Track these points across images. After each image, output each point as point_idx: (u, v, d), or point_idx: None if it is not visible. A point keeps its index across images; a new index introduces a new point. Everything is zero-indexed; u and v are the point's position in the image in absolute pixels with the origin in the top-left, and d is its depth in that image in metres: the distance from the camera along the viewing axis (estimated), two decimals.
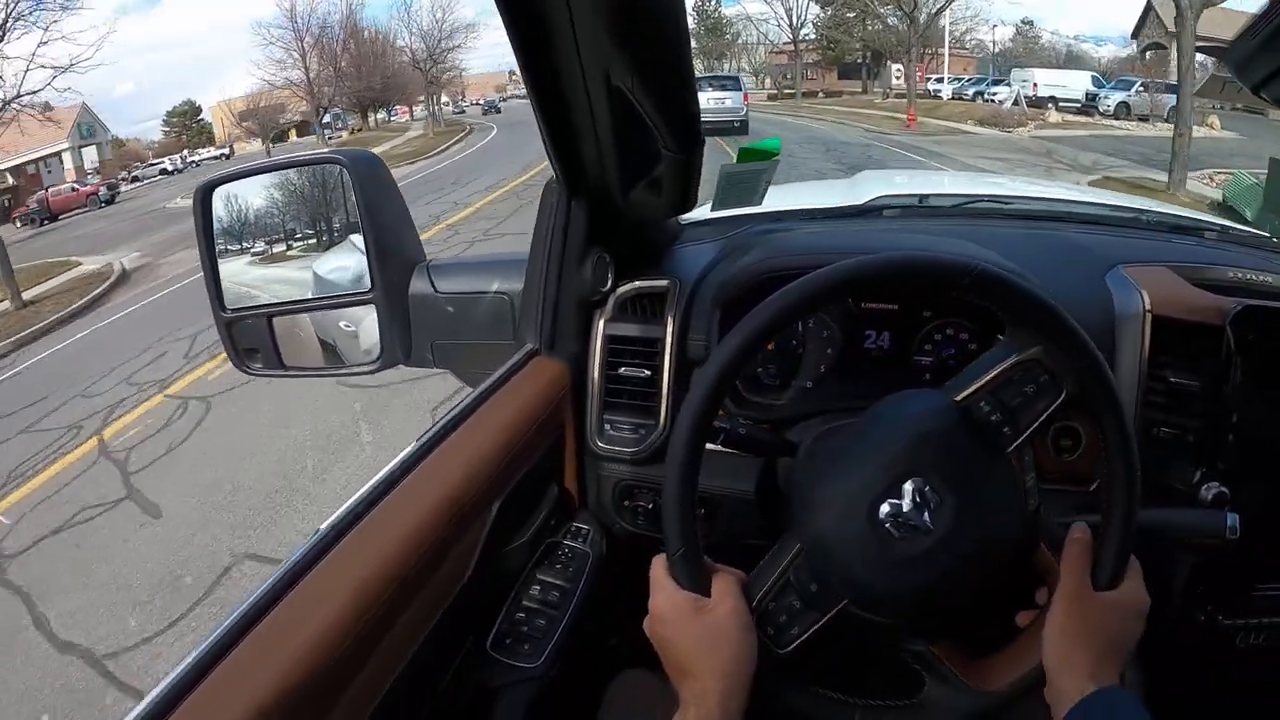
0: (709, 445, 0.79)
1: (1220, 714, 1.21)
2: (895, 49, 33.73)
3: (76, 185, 31.32)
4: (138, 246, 15.08)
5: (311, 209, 1.15)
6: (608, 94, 0.73)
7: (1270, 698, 1.18)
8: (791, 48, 40.77)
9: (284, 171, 1.13)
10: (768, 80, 46.82)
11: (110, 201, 29.47)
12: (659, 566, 0.72)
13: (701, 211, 1.10)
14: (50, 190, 30.54)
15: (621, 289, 0.99)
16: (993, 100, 25.88)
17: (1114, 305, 0.98)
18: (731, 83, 20.29)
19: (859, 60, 40.26)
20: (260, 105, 34.76)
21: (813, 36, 40.40)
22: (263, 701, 0.54)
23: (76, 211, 28.63)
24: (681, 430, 0.70)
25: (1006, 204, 1.41)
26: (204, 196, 1.09)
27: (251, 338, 1.12)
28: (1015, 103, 21.89)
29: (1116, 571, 0.71)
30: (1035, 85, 25.02)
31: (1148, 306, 0.96)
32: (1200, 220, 1.39)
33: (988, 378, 0.73)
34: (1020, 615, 0.77)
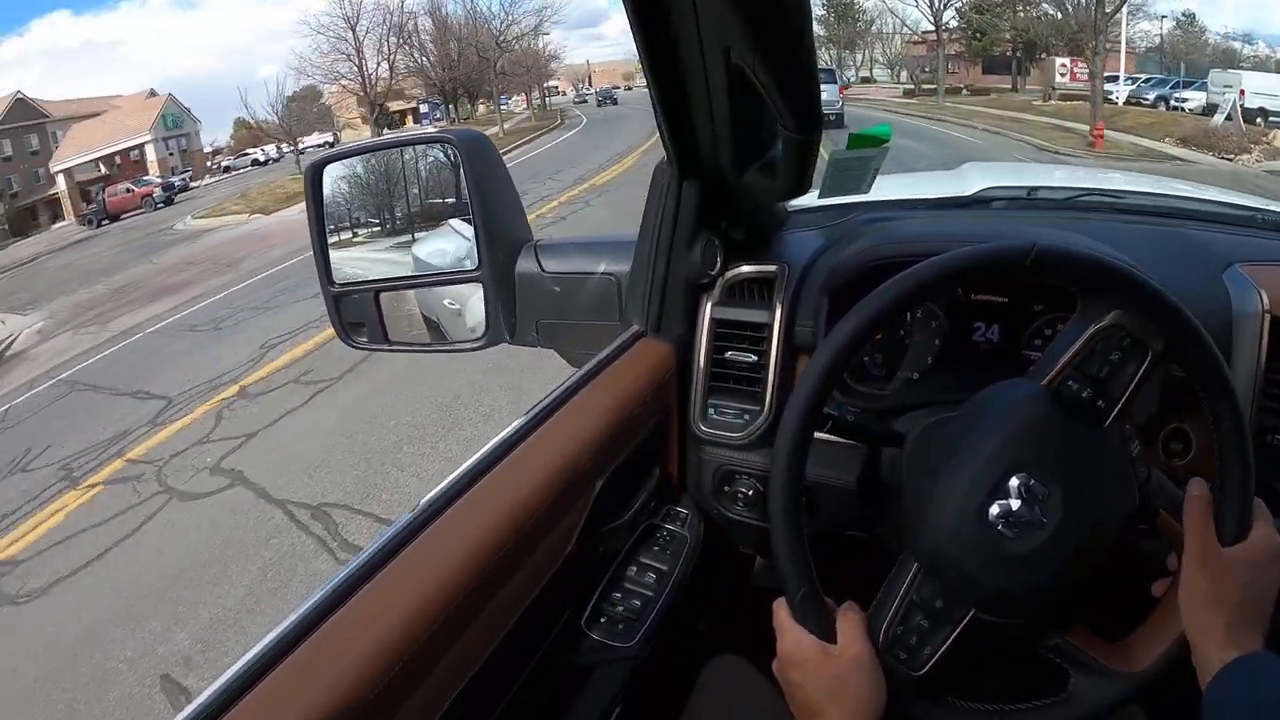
0: (823, 435, 0.78)
1: None
2: (1051, 40, 29.43)
3: (132, 186, 31.05)
4: (58, 306, 12.94)
5: (421, 188, 1.18)
6: (726, 72, 0.73)
7: None
8: (932, 36, 34.40)
9: (395, 151, 1.17)
10: (903, 74, 42.60)
11: (169, 202, 28.75)
12: (782, 609, 0.72)
13: (809, 199, 1.09)
14: (108, 190, 30.43)
15: (730, 273, 0.98)
16: (1181, 108, 20.83)
17: (1231, 304, 0.94)
18: (828, 76, 20.07)
19: (1008, 53, 33.91)
20: (376, 90, 34.71)
21: (955, 24, 34.10)
22: (361, 665, 0.56)
23: (135, 213, 28.24)
24: (778, 466, 0.70)
25: (1119, 198, 1.35)
26: (315, 175, 1.13)
27: (358, 313, 1.15)
28: (1229, 117, 15.93)
29: (1241, 522, 0.68)
30: (1243, 93, 17.90)
31: (1266, 307, 0.91)
32: None
33: (1070, 354, 0.71)
34: (1156, 585, 0.75)
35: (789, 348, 0.95)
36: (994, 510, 0.67)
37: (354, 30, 32.00)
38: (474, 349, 1.08)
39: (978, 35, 33.28)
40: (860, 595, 0.74)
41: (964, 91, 30.89)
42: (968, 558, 0.68)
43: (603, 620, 0.89)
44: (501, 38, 33.95)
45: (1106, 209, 1.25)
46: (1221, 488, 0.69)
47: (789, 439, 0.69)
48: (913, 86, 34.99)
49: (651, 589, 0.92)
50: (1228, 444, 0.69)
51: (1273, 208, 1.23)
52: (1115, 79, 23.09)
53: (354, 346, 1.17)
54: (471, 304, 1.10)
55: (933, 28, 32.08)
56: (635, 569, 0.94)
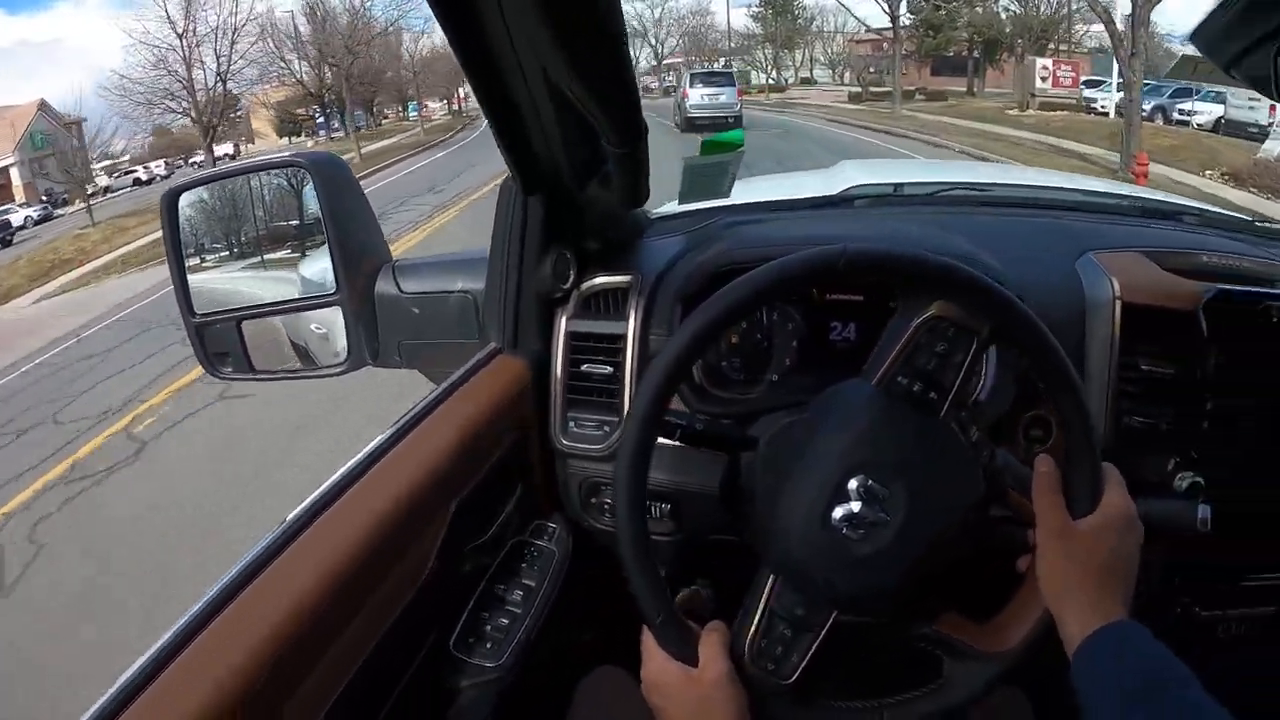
0: (669, 441, 0.78)
1: None
2: (1017, 38, 25.87)
3: None
4: None
5: (269, 213, 1.16)
6: (549, 91, 0.73)
7: (1255, 689, 1.17)
8: (877, 35, 31.43)
9: (252, 176, 1.14)
10: (846, 75, 38.25)
11: (7, 244, 22.20)
12: (647, 635, 0.72)
13: (674, 205, 1.10)
14: None
15: (585, 285, 0.98)
16: (1189, 122, 16.90)
17: (1084, 292, 0.97)
18: (724, 79, 20.19)
19: (964, 52, 29.76)
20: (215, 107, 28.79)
21: (905, 20, 28.82)
22: (220, 695, 0.54)
23: None
24: (621, 500, 0.69)
25: (981, 191, 1.40)
26: (170, 203, 1.09)
27: (221, 342, 1.12)
28: None
29: (1092, 493, 0.69)
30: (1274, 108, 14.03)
31: (1117, 293, 0.94)
32: (1179, 205, 1.38)
33: (896, 350, 0.72)
34: (1019, 561, 0.76)
35: (644, 358, 0.95)
36: (837, 514, 0.68)
37: (184, 39, 25.02)
38: (338, 373, 1.06)
39: (931, 32, 29.10)
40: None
41: (917, 96, 26.57)
42: (818, 563, 0.69)
43: (471, 640, 0.88)
44: (351, 40, 28.54)
45: (970, 202, 1.29)
46: (1068, 461, 0.70)
47: (626, 468, 0.69)
48: (859, 89, 30.78)
49: (520, 606, 0.92)
50: (1070, 416, 0.70)
51: (1133, 193, 1.29)
52: (1097, 84, 20.62)
53: (219, 377, 1.14)
54: (336, 327, 1.07)
55: (881, 24, 28.11)
56: (504, 586, 0.93)
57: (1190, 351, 0.94)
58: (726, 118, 18.36)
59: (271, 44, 29.24)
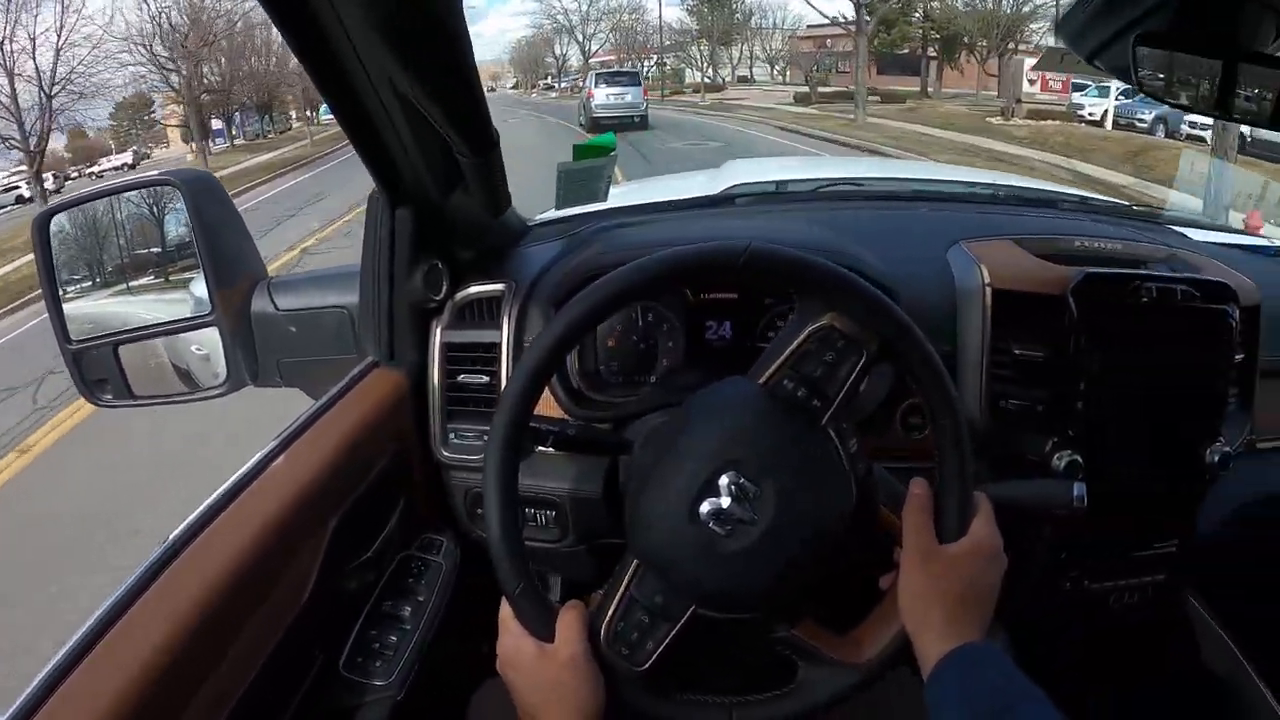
0: (546, 449, 0.78)
1: (1102, 673, 1.24)
2: (976, 36, 24.12)
3: None
4: None
5: (160, 231, 1.12)
6: (399, 104, 0.72)
7: (1150, 652, 1.21)
8: (824, 31, 28.86)
9: (128, 196, 1.11)
10: (788, 73, 36.85)
11: None
12: (505, 608, 0.71)
13: (554, 211, 1.10)
14: None
15: (459, 295, 0.97)
16: (1203, 137, 11.93)
17: (954, 280, 0.99)
18: (630, 78, 20.41)
19: (918, 50, 27.67)
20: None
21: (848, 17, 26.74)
22: None
23: None
24: (490, 464, 0.69)
25: (860, 186, 1.42)
26: (42, 227, 1.05)
27: (99, 368, 1.08)
28: None
29: (960, 521, 0.70)
30: None
31: (987, 280, 0.97)
32: (1059, 193, 1.43)
33: (786, 353, 0.72)
34: (883, 578, 0.77)
35: None
36: (705, 508, 0.68)
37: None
38: (218, 395, 1.03)
39: (884, 28, 25.71)
40: None
41: (870, 97, 21.09)
42: (682, 555, 0.68)
43: (361, 659, 0.87)
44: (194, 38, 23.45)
45: (850, 197, 1.31)
46: (942, 486, 0.71)
47: (493, 486, 0.69)
48: (806, 90, 27.09)
49: (409, 621, 0.91)
50: (946, 443, 0.71)
51: (1017, 183, 1.33)
52: (1081, 88, 17.96)
53: (99, 404, 1.10)
54: (217, 349, 1.05)
55: (824, 20, 25.34)
56: (392, 603, 0.92)
57: (1061, 334, 0.97)
58: (632, 117, 18.88)
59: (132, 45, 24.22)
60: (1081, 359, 0.96)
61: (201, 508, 0.73)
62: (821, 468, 0.70)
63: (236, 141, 30.73)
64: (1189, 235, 1.27)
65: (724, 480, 0.68)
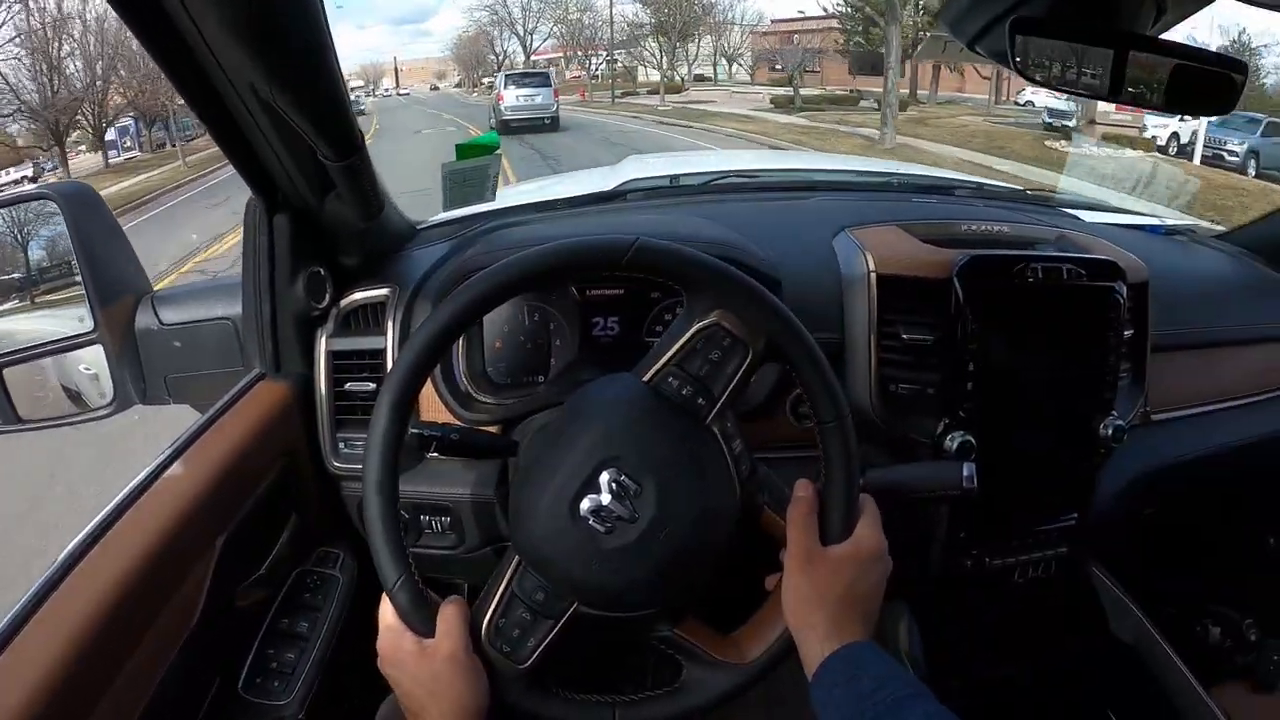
0: (432, 454, 0.77)
1: (1014, 650, 1.27)
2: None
3: None
4: None
5: (43, 247, 1.09)
6: (264, 109, 0.71)
7: (1059, 625, 1.24)
8: (786, 26, 26.91)
9: (7, 210, 1.07)
10: (754, 72, 33.59)
11: None
12: (385, 604, 0.70)
13: (445, 213, 1.08)
14: None
15: (344, 301, 0.96)
16: None
17: (840, 268, 1.00)
18: (540, 79, 20.29)
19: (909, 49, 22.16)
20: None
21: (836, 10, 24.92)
22: None
23: None
24: (370, 457, 0.68)
25: (753, 178, 1.43)
26: None
27: None
28: None
29: (844, 524, 0.71)
30: None
31: (872, 267, 0.98)
32: (956, 180, 1.45)
33: (671, 351, 0.72)
34: (768, 579, 0.77)
35: None
36: (585, 505, 0.67)
37: None
38: (106, 416, 1.01)
39: (864, 26, 23.66)
40: None
41: (862, 102, 19.51)
42: (563, 552, 0.68)
43: (260, 680, 0.86)
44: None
45: (741, 189, 1.32)
46: (826, 489, 0.71)
47: (373, 473, 0.68)
48: (786, 93, 23.18)
49: (307, 637, 0.89)
50: (831, 446, 0.71)
51: (913, 171, 1.35)
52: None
53: None
54: (104, 368, 1.02)
55: (795, 14, 24.19)
56: (288, 620, 0.90)
57: (949, 317, 0.98)
58: (543, 119, 18.96)
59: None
60: (969, 341, 0.98)
61: (88, 527, 0.71)
62: (705, 467, 0.70)
63: (133, 154, 26.75)
64: (1081, 217, 1.31)
65: (605, 477, 0.68)
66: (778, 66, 28.92)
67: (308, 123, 0.70)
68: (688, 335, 0.72)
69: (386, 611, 0.70)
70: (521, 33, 43.66)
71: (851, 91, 23.04)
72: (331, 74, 0.68)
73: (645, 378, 0.72)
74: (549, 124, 18.99)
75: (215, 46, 0.63)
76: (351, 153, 0.75)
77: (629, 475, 0.68)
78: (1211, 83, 0.89)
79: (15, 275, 1.08)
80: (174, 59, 0.66)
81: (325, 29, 0.64)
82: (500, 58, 48.04)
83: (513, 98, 19.31)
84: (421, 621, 0.69)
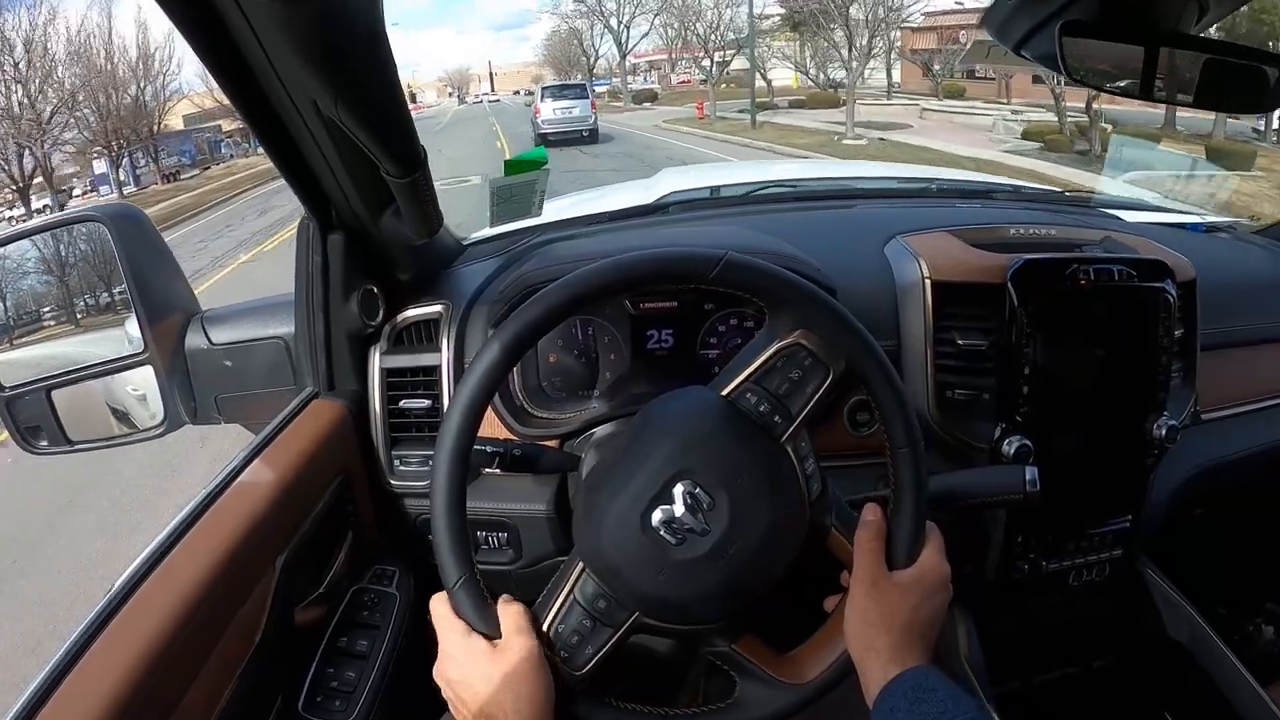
0: (493, 471, 0.77)
1: (1071, 655, 1.26)
2: None
3: None
4: None
5: (90, 269, 1.10)
6: (325, 126, 0.71)
7: (1115, 627, 1.23)
8: (953, 18, 20.04)
9: (50, 235, 1.08)
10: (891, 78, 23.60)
11: None
12: (440, 604, 0.69)
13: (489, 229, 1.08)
14: None
15: (397, 319, 0.96)
16: None
17: (894, 275, 1.00)
18: (576, 91, 19.82)
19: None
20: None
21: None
22: None
23: None
24: (440, 457, 0.67)
25: (795, 187, 1.43)
26: None
27: (33, 415, 1.05)
28: None
29: (911, 550, 0.70)
30: None
31: (926, 273, 0.98)
32: (993, 183, 1.45)
33: (751, 368, 0.71)
34: (827, 600, 0.77)
35: None
36: (657, 516, 0.67)
37: None
38: (156, 436, 1.01)
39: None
40: None
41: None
42: (630, 561, 0.67)
43: (320, 698, 0.85)
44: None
45: (784, 199, 1.31)
46: (895, 515, 0.71)
47: (442, 475, 0.67)
48: (1047, 121, 14.96)
49: (365, 656, 0.89)
50: (903, 471, 0.70)
51: (945, 176, 1.35)
52: None
53: (34, 452, 1.07)
54: (153, 388, 1.02)
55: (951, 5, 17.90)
56: (347, 638, 0.90)
57: (1002, 322, 0.98)
58: (580, 131, 18.53)
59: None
60: (1024, 345, 0.97)
61: (146, 552, 0.71)
62: (777, 485, 0.69)
63: (127, 189, 23.82)
64: (1122, 217, 1.30)
65: (679, 489, 0.67)
66: (936, 69, 22.16)
67: (372, 138, 0.70)
68: (769, 353, 0.71)
69: (445, 613, 0.69)
70: (617, 25, 35.35)
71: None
72: (393, 89, 0.68)
73: (724, 392, 0.71)
74: (587, 136, 18.64)
75: (279, 65, 0.64)
76: (416, 168, 0.75)
77: (703, 488, 0.67)
78: (1244, 77, 0.88)
79: (61, 298, 1.08)
80: (236, 78, 0.67)
81: (387, 45, 0.64)
82: (592, 59, 42.33)
83: (549, 110, 18.93)
84: (485, 621, 0.67)
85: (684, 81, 40.79)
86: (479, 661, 0.66)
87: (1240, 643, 1.23)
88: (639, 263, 0.69)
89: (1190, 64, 0.88)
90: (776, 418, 0.70)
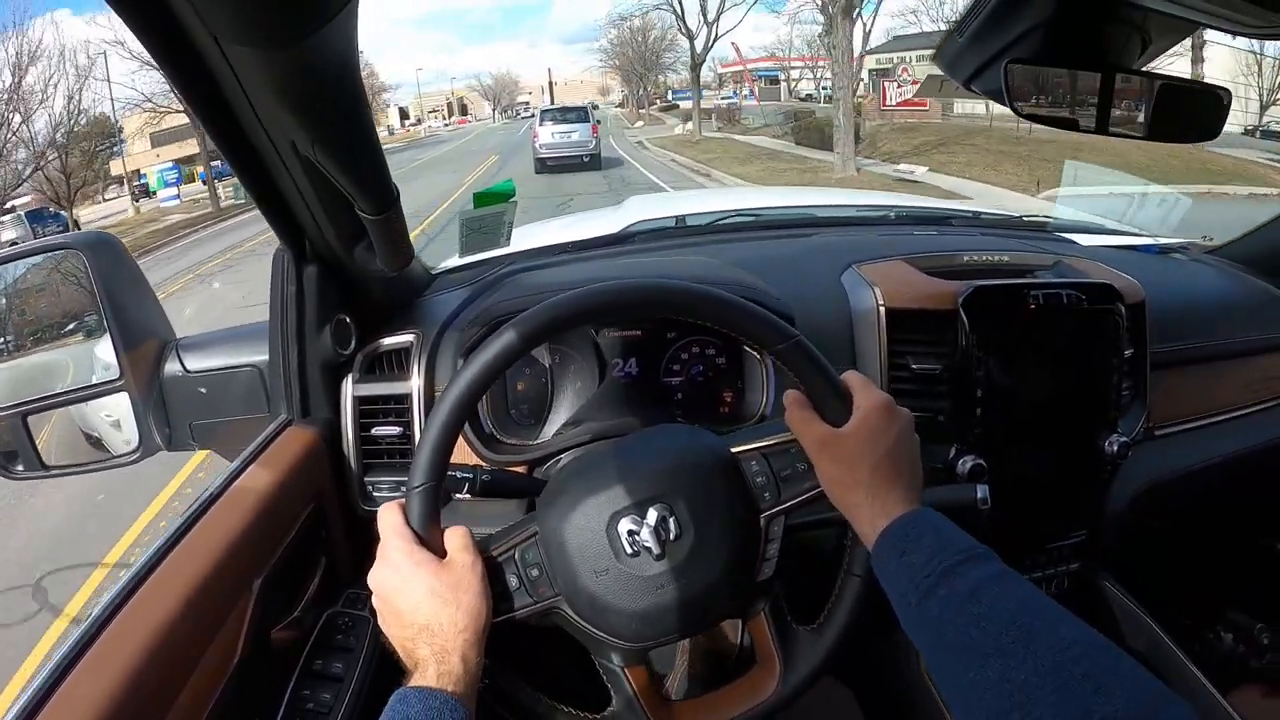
0: (464, 496, 0.79)
1: None
2: None
3: None
4: None
5: (65, 296, 1.11)
6: (301, 164, 0.73)
7: None
8: None
9: (21, 263, 1.09)
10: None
11: None
12: (390, 513, 0.68)
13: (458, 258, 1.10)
14: None
15: (368, 348, 0.98)
16: None
17: (850, 302, 1.03)
18: (577, 114, 18.73)
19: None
20: None
21: None
22: None
23: None
24: (469, 372, 0.68)
25: (758, 216, 1.46)
26: None
27: (8, 439, 1.06)
28: None
29: (843, 402, 0.70)
30: None
31: (880, 301, 1.01)
32: (951, 210, 1.49)
33: (768, 441, 0.73)
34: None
35: None
36: (625, 523, 0.69)
37: None
38: (131, 462, 1.02)
39: None
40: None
41: None
42: (580, 549, 0.69)
43: None
44: None
45: (747, 228, 1.34)
46: (808, 387, 0.71)
47: (462, 384, 0.67)
48: None
49: (340, 679, 0.90)
50: (797, 359, 0.71)
51: (904, 203, 1.39)
52: None
53: (10, 477, 1.07)
54: (128, 414, 1.03)
55: None
56: (321, 662, 0.91)
57: (955, 346, 1.01)
58: (581, 156, 17.63)
59: None
60: (976, 368, 1.01)
61: (124, 579, 0.72)
62: (738, 550, 0.72)
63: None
64: (1077, 241, 1.34)
65: (655, 509, 0.69)
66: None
67: (347, 178, 0.72)
68: (789, 437, 0.73)
69: (394, 522, 0.68)
70: (699, 22, 26.39)
71: None
72: (369, 132, 0.71)
73: (734, 448, 0.74)
74: (588, 162, 17.56)
75: (259, 107, 0.66)
76: (389, 206, 0.77)
77: (676, 519, 0.69)
78: (1198, 104, 0.91)
79: (36, 324, 1.09)
80: (216, 117, 0.68)
81: (362, 89, 0.67)
82: (654, 60, 36.62)
83: (548, 135, 17.86)
84: (434, 534, 0.67)
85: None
86: (421, 572, 0.65)
87: (1201, 651, 1.26)
88: (720, 301, 0.70)
89: (1141, 97, 0.91)
90: (767, 494, 0.73)
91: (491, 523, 0.92)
